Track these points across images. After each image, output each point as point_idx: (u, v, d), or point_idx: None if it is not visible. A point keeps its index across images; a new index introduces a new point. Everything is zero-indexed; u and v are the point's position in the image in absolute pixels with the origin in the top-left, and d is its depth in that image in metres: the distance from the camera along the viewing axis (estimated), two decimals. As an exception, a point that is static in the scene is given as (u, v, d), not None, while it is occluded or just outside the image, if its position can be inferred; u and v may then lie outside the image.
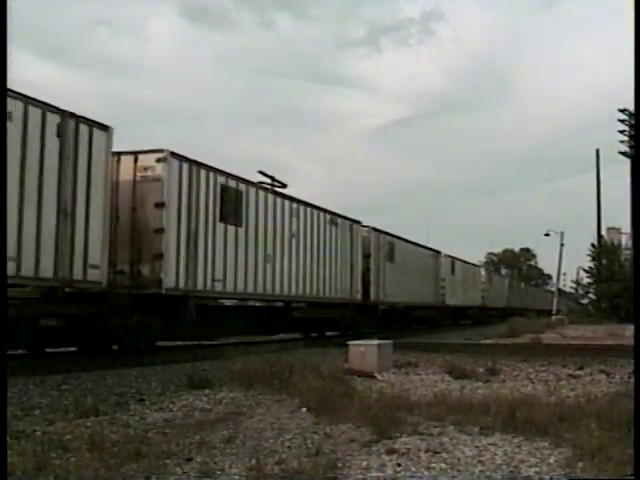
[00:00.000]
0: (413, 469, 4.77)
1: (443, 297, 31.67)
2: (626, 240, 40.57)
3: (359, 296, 21.37)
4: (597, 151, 41.23)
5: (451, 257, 34.11)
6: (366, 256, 22.12)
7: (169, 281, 12.44)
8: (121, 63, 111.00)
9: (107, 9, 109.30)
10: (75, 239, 10.51)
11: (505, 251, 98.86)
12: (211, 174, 13.86)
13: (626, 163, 37.49)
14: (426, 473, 4.68)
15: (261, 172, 25.84)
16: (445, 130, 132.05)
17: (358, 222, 21.74)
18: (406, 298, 25.93)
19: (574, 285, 50.96)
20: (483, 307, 39.66)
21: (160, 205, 12.36)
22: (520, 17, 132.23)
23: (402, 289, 25.16)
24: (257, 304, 17.36)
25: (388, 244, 24.33)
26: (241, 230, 14.81)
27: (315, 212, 18.58)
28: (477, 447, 5.39)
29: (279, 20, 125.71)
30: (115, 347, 12.40)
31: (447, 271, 32.53)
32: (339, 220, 20.15)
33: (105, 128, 11.24)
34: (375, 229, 23.34)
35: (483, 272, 43.40)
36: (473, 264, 41.78)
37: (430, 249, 31.00)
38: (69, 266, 10.37)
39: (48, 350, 11.82)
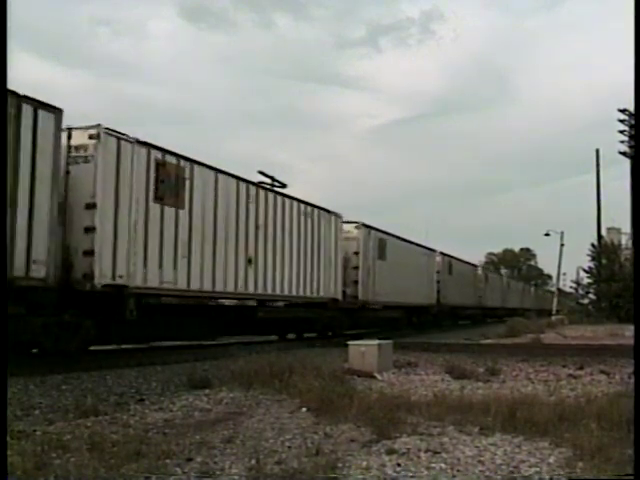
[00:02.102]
0: (413, 469, 4.76)
1: (480, 299, 40.74)
2: (626, 240, 40.66)
3: (434, 300, 31.13)
4: (597, 151, 41.27)
5: (485, 269, 46.11)
6: (437, 272, 31.73)
7: (362, 295, 21.92)
8: (121, 63, 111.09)
9: (107, 9, 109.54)
10: (330, 276, 19.77)
11: (505, 251, 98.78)
12: (374, 232, 23.27)
13: (626, 163, 37.59)
14: (426, 473, 4.68)
15: (261, 172, 25.83)
16: (445, 130, 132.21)
17: (434, 250, 31.48)
18: (460, 301, 35.47)
19: (574, 285, 51.02)
20: (504, 307, 48.25)
21: (356, 253, 21.95)
22: (520, 17, 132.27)
23: (456, 294, 34.58)
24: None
25: (448, 263, 33.61)
26: (385, 263, 24.07)
27: (418, 248, 29.02)
28: (477, 447, 5.39)
29: (279, 20, 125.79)
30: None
31: (482, 280, 42.49)
32: (425, 250, 30.08)
33: (328, 211, 19.87)
34: (442, 253, 32.64)
35: (504, 279, 55.45)
36: (499, 274, 56.95)
37: (471, 264, 40.99)
38: (330, 290, 19.68)
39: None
